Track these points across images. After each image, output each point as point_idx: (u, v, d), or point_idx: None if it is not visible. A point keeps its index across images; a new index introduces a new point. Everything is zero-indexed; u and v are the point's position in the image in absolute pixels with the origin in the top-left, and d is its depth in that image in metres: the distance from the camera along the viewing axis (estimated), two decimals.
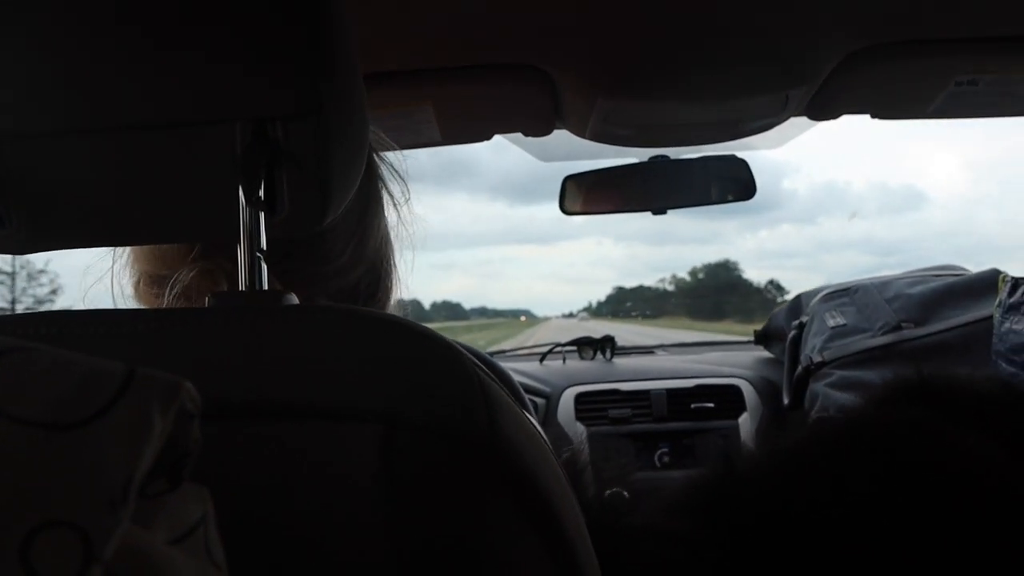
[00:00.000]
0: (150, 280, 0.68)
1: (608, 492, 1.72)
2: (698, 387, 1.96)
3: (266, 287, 0.48)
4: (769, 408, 1.92)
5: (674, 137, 1.38)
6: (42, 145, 0.49)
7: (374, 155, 0.78)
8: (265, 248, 0.48)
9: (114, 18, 0.47)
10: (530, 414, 0.51)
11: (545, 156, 1.71)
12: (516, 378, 2.02)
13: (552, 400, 1.99)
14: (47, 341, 0.40)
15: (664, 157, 1.65)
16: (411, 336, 0.45)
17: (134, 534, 0.28)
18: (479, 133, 1.43)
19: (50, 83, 0.48)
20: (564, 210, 1.71)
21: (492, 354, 2.45)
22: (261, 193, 0.47)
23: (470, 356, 0.46)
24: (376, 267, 0.75)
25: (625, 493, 1.73)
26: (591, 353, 2.31)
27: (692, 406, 1.92)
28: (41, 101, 0.48)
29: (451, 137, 1.42)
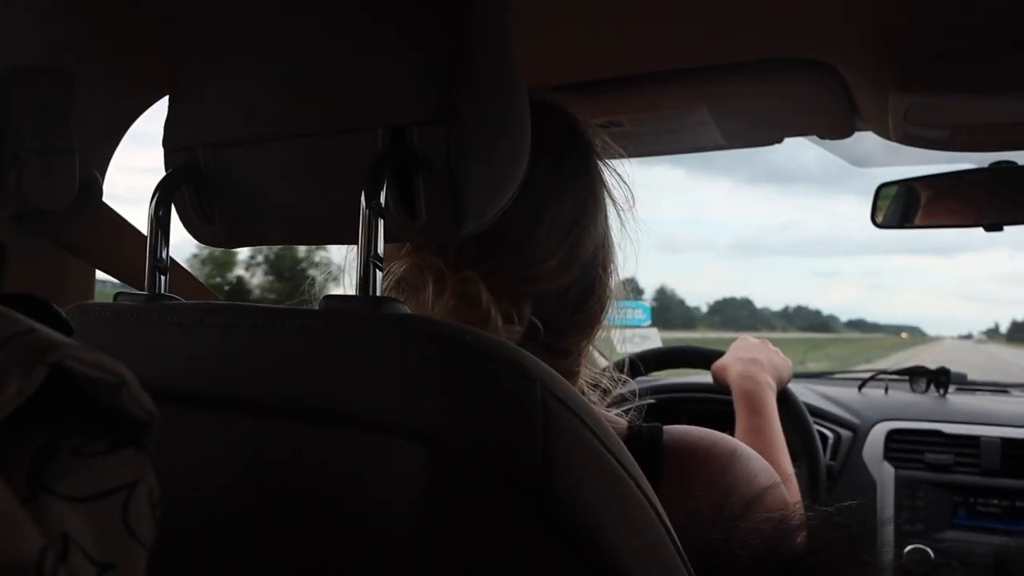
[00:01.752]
0: None
1: (908, 548, 1.49)
2: None
3: (379, 293, 0.48)
4: None
5: (1003, 139, 1.15)
6: (235, 151, 0.55)
7: (596, 160, 0.76)
8: (382, 254, 0.47)
9: (289, 32, 0.51)
10: (626, 467, 0.45)
11: (858, 161, 1.52)
12: (818, 404, 1.84)
13: (860, 434, 1.77)
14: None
15: (1009, 163, 1.39)
16: (475, 357, 0.43)
17: None
18: (766, 136, 1.32)
19: (252, 96, 0.53)
20: (876, 223, 1.51)
21: (803, 376, 2.23)
22: (383, 199, 0.47)
23: (546, 385, 0.42)
24: (589, 273, 0.73)
25: (930, 552, 1.50)
26: (923, 385, 2.02)
27: None
28: (244, 111, 0.54)
29: (735, 140, 1.33)
